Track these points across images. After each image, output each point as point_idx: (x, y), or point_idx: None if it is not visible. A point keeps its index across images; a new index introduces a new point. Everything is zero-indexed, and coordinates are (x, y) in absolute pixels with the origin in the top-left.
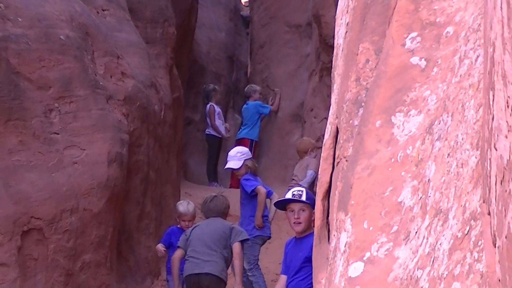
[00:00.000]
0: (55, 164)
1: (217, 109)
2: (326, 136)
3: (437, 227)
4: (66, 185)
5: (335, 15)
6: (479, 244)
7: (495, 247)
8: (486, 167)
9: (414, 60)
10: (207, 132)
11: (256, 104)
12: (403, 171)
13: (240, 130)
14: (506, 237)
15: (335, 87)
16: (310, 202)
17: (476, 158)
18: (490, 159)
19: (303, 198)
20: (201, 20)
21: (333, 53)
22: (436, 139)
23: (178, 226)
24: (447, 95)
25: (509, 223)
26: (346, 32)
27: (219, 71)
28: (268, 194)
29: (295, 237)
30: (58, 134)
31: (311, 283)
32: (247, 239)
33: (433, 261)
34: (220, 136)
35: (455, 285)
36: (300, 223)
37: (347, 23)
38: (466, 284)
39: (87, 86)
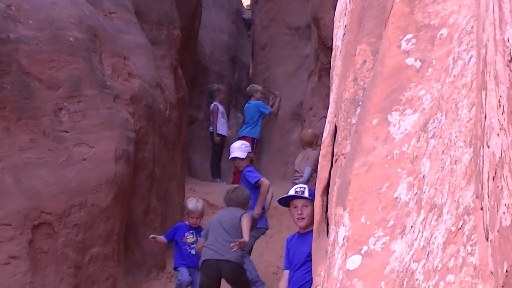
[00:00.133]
0: (65, 161)
1: (221, 108)
2: (325, 134)
3: (432, 222)
4: (75, 181)
5: (334, 17)
6: (472, 238)
7: (487, 241)
8: (479, 164)
9: (410, 61)
10: (211, 130)
11: (258, 104)
12: (399, 168)
13: (242, 128)
14: (498, 231)
15: (334, 87)
16: (312, 198)
17: (469, 155)
18: (482, 156)
19: (306, 194)
20: (205, 22)
21: (331, 54)
22: (431, 137)
23: (186, 222)
24: (441, 95)
25: (501, 217)
26: (344, 34)
27: (222, 72)
28: None
29: (298, 232)
30: (67, 132)
31: None
32: (256, 222)
33: (428, 254)
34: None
35: (449, 278)
36: (303, 218)
37: (345, 25)
38: (460, 276)
39: (95, 86)
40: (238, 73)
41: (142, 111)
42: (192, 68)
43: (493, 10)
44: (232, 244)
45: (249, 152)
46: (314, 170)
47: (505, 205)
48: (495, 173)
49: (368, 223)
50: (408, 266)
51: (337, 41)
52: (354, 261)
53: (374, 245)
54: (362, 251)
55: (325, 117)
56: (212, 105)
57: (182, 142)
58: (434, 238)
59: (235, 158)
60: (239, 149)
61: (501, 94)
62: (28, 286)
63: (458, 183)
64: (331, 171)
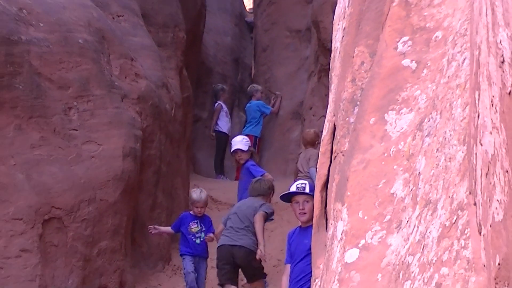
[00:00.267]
0: (74, 158)
1: (224, 107)
2: (324, 133)
3: (427, 217)
4: (84, 178)
5: (333, 20)
6: (465, 232)
7: (480, 235)
8: (472, 161)
9: (406, 62)
10: (215, 129)
11: (259, 104)
12: (395, 165)
13: (245, 127)
14: (490, 225)
15: (333, 87)
16: (313, 194)
17: (463, 153)
18: (476, 153)
19: (307, 190)
20: (209, 25)
21: (330, 55)
22: (426, 135)
23: (191, 212)
24: (436, 95)
25: (493, 213)
26: (343, 36)
27: (225, 72)
28: None
29: (300, 226)
30: (76, 130)
31: None
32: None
33: (423, 248)
34: (225, 132)
35: (443, 270)
36: (305, 213)
37: (344, 28)
38: (454, 269)
39: (104, 86)
40: (241, 74)
41: (148, 110)
42: (196, 69)
43: (486, 14)
44: (257, 257)
45: (249, 146)
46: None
47: (497, 200)
48: (488, 170)
49: (365, 218)
50: (404, 259)
51: (336, 43)
52: (352, 255)
53: (371, 239)
54: (359, 245)
55: (324, 116)
56: (216, 103)
57: (187, 140)
58: (429, 232)
59: (236, 151)
60: (240, 142)
61: (493, 94)
62: (38, 278)
63: (452, 180)
64: (330, 168)
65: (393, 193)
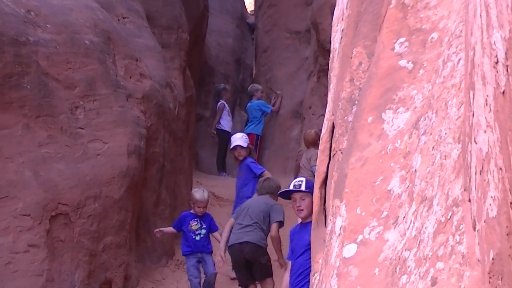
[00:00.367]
0: (80, 155)
1: (226, 106)
2: (323, 131)
3: (423, 213)
4: (90, 175)
5: (332, 22)
6: (460, 228)
7: (475, 230)
8: (467, 159)
9: (402, 62)
10: (218, 127)
11: (260, 103)
12: (392, 162)
13: (247, 126)
14: (484, 221)
15: (331, 87)
16: (310, 191)
17: (458, 150)
18: (470, 151)
19: (303, 187)
20: (211, 27)
21: (329, 56)
22: (422, 134)
23: (192, 211)
24: (432, 94)
25: (487, 209)
26: (341, 37)
27: (227, 73)
28: None
29: (300, 223)
30: (83, 129)
31: None
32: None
33: (419, 243)
34: (228, 131)
35: (438, 265)
36: (302, 210)
37: (342, 29)
38: (449, 264)
39: (109, 85)
40: (242, 74)
41: (153, 109)
42: (199, 69)
43: (480, 15)
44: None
45: (248, 144)
46: None
47: (491, 197)
48: (482, 168)
49: (363, 214)
50: (401, 254)
51: (335, 44)
52: (350, 250)
53: (369, 234)
54: (357, 240)
55: (323, 115)
56: (219, 103)
57: (190, 138)
58: (425, 228)
59: (236, 147)
60: (240, 139)
61: (488, 93)
62: (45, 272)
63: (448, 177)
64: (329, 166)
65: (390, 190)
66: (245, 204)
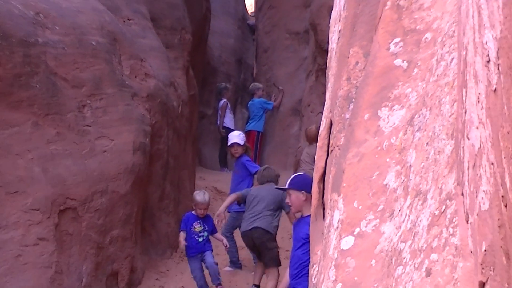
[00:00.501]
0: (88, 152)
1: (228, 104)
2: (321, 128)
3: (417, 206)
4: (97, 171)
5: (329, 23)
6: (453, 220)
7: (467, 223)
8: (460, 154)
9: (397, 62)
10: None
11: (261, 101)
12: (388, 158)
13: (248, 123)
14: (477, 214)
15: (329, 85)
16: (292, 187)
17: (451, 146)
18: (463, 147)
19: (287, 184)
20: (213, 28)
21: (327, 56)
22: (417, 130)
23: (193, 212)
24: (426, 92)
25: (479, 202)
26: (339, 38)
27: (229, 72)
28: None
29: (301, 216)
30: (90, 126)
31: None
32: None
33: (414, 235)
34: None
35: (433, 256)
36: (290, 205)
37: (340, 30)
38: (443, 255)
39: (115, 85)
40: (243, 74)
41: (157, 107)
42: (202, 69)
43: (472, 16)
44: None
45: (245, 142)
46: None
47: (483, 191)
48: (475, 163)
49: (360, 207)
50: (396, 246)
51: (333, 44)
52: (347, 242)
53: (366, 227)
54: (354, 233)
55: (321, 112)
56: (222, 101)
57: (193, 135)
58: (420, 221)
59: (233, 144)
60: (237, 137)
61: (480, 91)
62: (54, 265)
63: (441, 172)
64: (327, 161)
65: (386, 184)
66: (251, 194)
